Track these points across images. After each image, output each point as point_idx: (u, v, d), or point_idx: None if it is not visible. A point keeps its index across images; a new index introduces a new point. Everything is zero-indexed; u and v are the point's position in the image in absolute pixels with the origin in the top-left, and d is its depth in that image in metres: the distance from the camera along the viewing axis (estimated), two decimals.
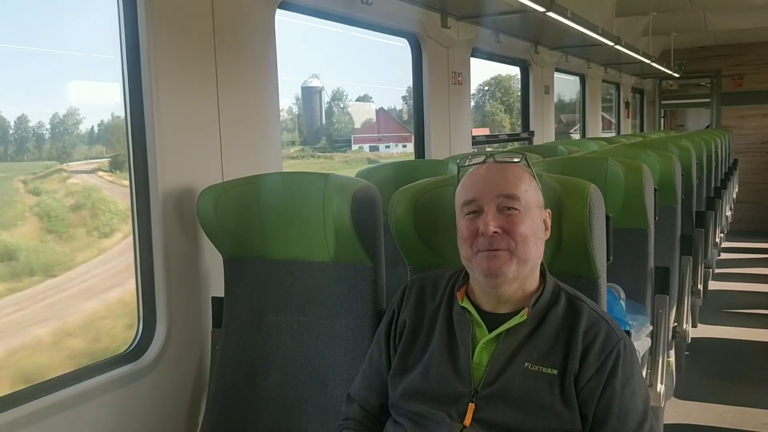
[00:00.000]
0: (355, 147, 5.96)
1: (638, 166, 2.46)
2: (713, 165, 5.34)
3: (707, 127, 9.97)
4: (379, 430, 1.53)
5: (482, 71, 6.61)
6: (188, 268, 2.17)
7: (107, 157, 2.57)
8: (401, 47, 3.95)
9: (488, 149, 5.03)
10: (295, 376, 1.92)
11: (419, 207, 1.76)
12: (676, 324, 2.95)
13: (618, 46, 5.54)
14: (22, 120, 2.31)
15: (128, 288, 2.16)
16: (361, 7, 3.14)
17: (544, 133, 6.14)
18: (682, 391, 3.71)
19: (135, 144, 2.07)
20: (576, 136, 7.70)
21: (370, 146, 6.14)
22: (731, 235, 7.36)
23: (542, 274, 1.48)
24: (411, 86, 4.08)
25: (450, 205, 1.52)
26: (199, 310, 2.18)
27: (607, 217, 1.70)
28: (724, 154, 6.49)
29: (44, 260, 2.37)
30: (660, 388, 2.41)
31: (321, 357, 1.90)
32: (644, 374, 2.29)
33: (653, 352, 2.43)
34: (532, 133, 5.91)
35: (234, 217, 2.00)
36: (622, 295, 2.23)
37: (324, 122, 5.26)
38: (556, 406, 1.34)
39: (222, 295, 2.06)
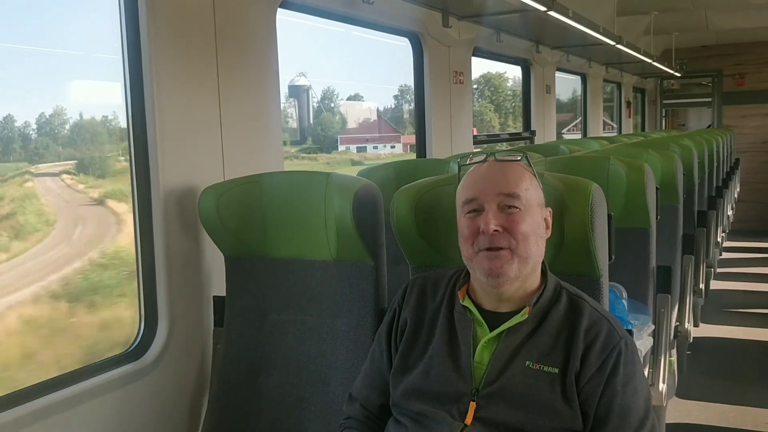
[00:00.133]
0: (341, 148, 5.88)
1: (640, 165, 2.46)
2: (715, 164, 5.34)
3: (709, 126, 9.96)
4: (380, 429, 1.53)
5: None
6: (190, 267, 2.17)
7: (72, 161, 2.51)
8: (393, 46, 3.94)
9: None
10: (296, 375, 1.92)
11: (421, 206, 1.76)
12: (677, 323, 2.94)
13: (619, 46, 5.54)
14: (8, 120, 2.28)
15: None
16: (363, 6, 3.14)
17: (546, 132, 6.14)
18: (684, 390, 3.72)
19: (136, 143, 2.07)
20: (569, 137, 7.69)
21: (357, 147, 6.07)
22: (733, 235, 7.35)
23: (543, 273, 1.48)
24: (403, 85, 4.07)
25: (451, 204, 1.52)
26: (200, 309, 2.18)
27: (609, 217, 1.70)
28: (725, 154, 6.49)
29: None
30: (662, 387, 2.41)
31: (322, 356, 1.90)
32: (646, 373, 2.28)
33: (655, 351, 2.43)
34: (533, 133, 5.91)
35: (235, 216, 2.00)
36: (624, 294, 2.23)
37: (312, 122, 5.24)
38: (558, 405, 1.34)
39: (223, 294, 2.06)
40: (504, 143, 5.78)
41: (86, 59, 2.33)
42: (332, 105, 5.49)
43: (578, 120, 8.10)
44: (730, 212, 6.41)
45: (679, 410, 3.58)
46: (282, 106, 2.63)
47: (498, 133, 6.78)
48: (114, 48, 2.08)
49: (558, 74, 6.41)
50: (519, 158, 1.47)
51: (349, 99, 5.66)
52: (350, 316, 1.87)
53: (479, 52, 4.71)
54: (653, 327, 2.38)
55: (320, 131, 5.49)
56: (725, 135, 6.87)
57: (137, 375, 2.01)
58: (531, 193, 1.43)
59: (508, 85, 7.80)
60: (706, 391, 3.83)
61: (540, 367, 1.37)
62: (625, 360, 1.36)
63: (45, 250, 2.37)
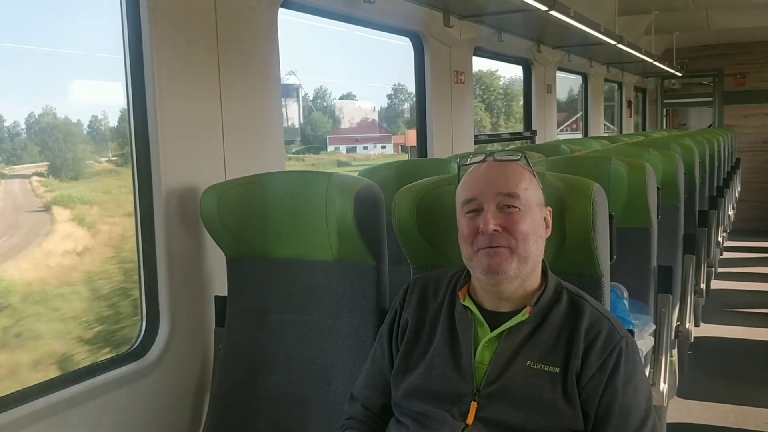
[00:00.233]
0: (331, 148, 5.79)
1: (641, 165, 2.46)
2: (716, 164, 5.33)
3: (709, 126, 9.96)
4: (381, 429, 1.53)
5: None
6: (191, 267, 2.17)
7: (46, 162, 2.45)
8: (387, 44, 3.92)
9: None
10: (297, 375, 1.92)
11: (422, 206, 1.76)
12: (678, 323, 2.94)
13: (620, 45, 5.54)
14: None
15: None
16: (364, 6, 3.15)
17: (547, 132, 6.14)
18: (685, 390, 3.71)
19: (138, 143, 2.07)
20: (562, 137, 7.68)
21: (346, 147, 5.98)
22: (734, 234, 7.34)
23: (544, 273, 1.48)
24: (397, 84, 4.07)
25: (452, 204, 1.52)
26: (202, 309, 2.18)
27: (611, 216, 1.70)
28: (726, 153, 6.49)
29: None
30: (663, 387, 2.41)
31: (324, 356, 1.90)
32: (647, 373, 2.28)
33: (656, 351, 2.42)
34: (534, 132, 5.91)
35: (237, 216, 2.00)
36: (625, 294, 2.23)
37: (302, 121, 5.20)
38: (558, 405, 1.34)
39: (225, 294, 2.06)
40: (505, 143, 5.78)
41: (80, 58, 2.32)
42: (324, 104, 5.44)
43: (572, 120, 8.10)
44: (731, 212, 6.40)
45: (680, 410, 3.58)
46: None
47: (499, 132, 6.78)
48: (110, 47, 2.07)
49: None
50: (518, 158, 1.48)
51: (341, 98, 5.62)
52: (351, 316, 1.87)
53: (480, 52, 4.71)
54: (654, 327, 2.38)
55: (310, 131, 5.43)
56: (726, 134, 6.87)
57: (138, 375, 2.01)
58: (530, 192, 1.43)
59: (500, 83, 7.78)
60: (707, 391, 3.83)
61: (541, 366, 1.37)
62: (626, 359, 1.37)
63: None
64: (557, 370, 1.36)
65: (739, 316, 5.31)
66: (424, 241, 1.78)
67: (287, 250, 1.97)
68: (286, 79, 4.75)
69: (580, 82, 7.82)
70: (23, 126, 2.33)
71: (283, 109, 4.80)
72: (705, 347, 4.48)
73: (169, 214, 2.08)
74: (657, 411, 1.64)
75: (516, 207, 1.40)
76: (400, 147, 6.11)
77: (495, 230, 1.38)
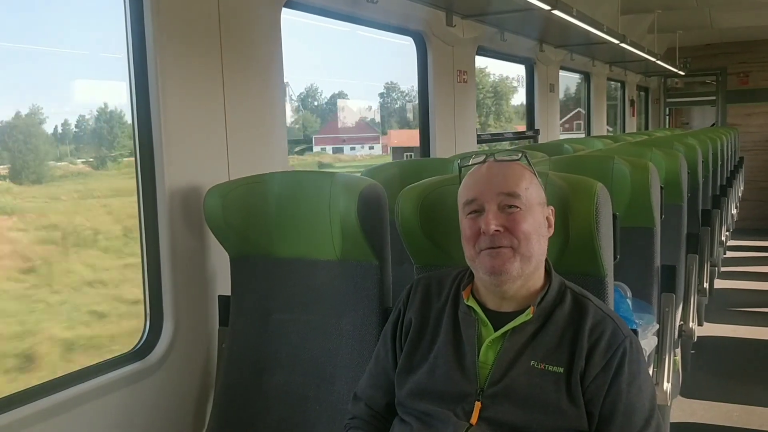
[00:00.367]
0: (317, 148, 5.68)
1: (644, 164, 2.46)
2: (719, 163, 5.33)
3: (713, 125, 9.94)
4: (385, 428, 1.54)
5: None
6: (195, 266, 2.17)
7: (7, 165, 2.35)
8: (380, 41, 3.90)
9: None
10: (301, 375, 1.92)
11: (425, 205, 1.76)
12: (682, 322, 2.94)
13: (623, 44, 5.54)
14: None
15: None
16: (367, 5, 3.15)
17: (549, 131, 6.13)
18: (688, 389, 3.71)
19: (141, 143, 2.07)
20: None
21: (333, 148, 5.88)
22: (737, 234, 7.33)
23: (547, 272, 1.48)
24: (390, 83, 4.04)
25: (455, 203, 1.52)
26: (205, 309, 2.18)
27: (614, 216, 1.70)
28: (729, 152, 6.47)
29: None
30: (666, 386, 2.41)
31: (327, 355, 1.90)
32: (651, 373, 2.28)
33: (659, 350, 2.42)
34: (537, 132, 5.90)
35: (240, 215, 2.01)
36: (629, 293, 2.23)
37: (290, 121, 5.16)
38: (562, 405, 1.34)
39: (229, 293, 2.06)
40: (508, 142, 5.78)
41: (74, 57, 2.31)
42: (315, 103, 5.36)
43: (565, 119, 8.07)
44: (734, 211, 6.39)
45: (683, 409, 3.58)
46: None
47: (501, 132, 6.77)
48: (105, 47, 2.06)
49: None
50: (518, 158, 1.48)
51: (332, 97, 5.55)
52: (355, 315, 1.87)
53: (483, 51, 4.71)
54: (657, 326, 2.38)
55: (297, 131, 5.36)
56: (729, 133, 6.86)
57: (143, 374, 2.02)
58: (531, 192, 1.43)
59: (489, 80, 7.73)
60: (711, 390, 3.83)
61: (545, 366, 1.37)
62: (629, 359, 1.37)
63: None
64: (561, 370, 1.36)
65: (742, 315, 5.31)
66: (427, 240, 1.78)
67: (291, 250, 1.98)
68: None
69: (577, 80, 7.82)
70: None
71: None
72: (708, 347, 4.48)
73: (172, 213, 2.08)
74: (660, 410, 1.64)
75: (517, 207, 1.40)
76: (389, 148, 6.04)
77: (497, 230, 1.38)
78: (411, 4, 3.55)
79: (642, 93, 10.30)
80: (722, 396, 3.75)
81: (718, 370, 4.18)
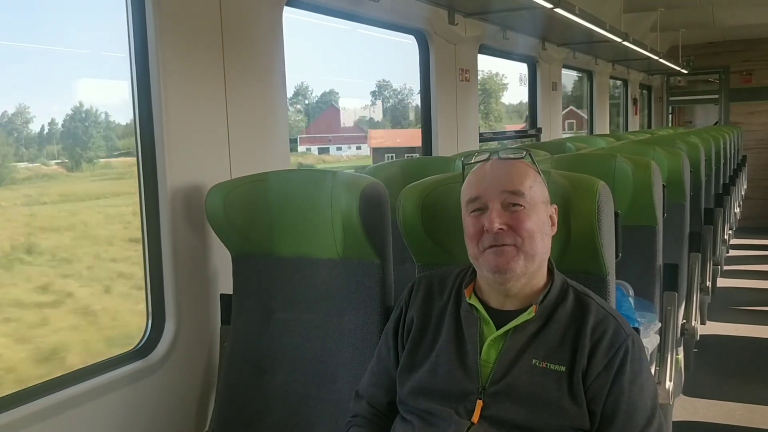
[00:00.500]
0: (302, 149, 5.58)
1: (647, 162, 2.46)
2: (722, 161, 5.32)
3: (715, 123, 9.92)
4: (387, 427, 1.53)
5: None
6: (197, 265, 2.17)
7: None
8: (372, 38, 3.87)
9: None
10: (303, 373, 1.93)
11: (427, 204, 1.76)
12: (684, 321, 2.94)
13: (626, 43, 5.53)
14: None
15: None
16: (369, 4, 3.15)
17: (552, 129, 6.13)
18: (691, 388, 3.70)
19: (143, 142, 2.07)
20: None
21: (319, 148, 5.77)
22: (740, 232, 7.32)
23: (550, 271, 1.48)
24: (381, 81, 4.00)
25: (458, 202, 1.52)
26: (207, 307, 2.18)
27: (616, 214, 1.69)
28: (732, 151, 6.46)
29: None
30: (668, 385, 2.40)
31: (329, 354, 1.90)
32: (653, 371, 2.28)
33: (662, 349, 2.42)
34: (539, 130, 5.90)
35: (242, 214, 2.01)
36: (631, 292, 2.23)
37: None
38: (564, 403, 1.34)
39: (230, 292, 2.06)
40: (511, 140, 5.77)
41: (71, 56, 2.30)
42: (306, 102, 5.27)
43: (564, 112, 8.05)
44: (737, 209, 6.38)
45: (686, 408, 3.57)
46: None
47: (504, 131, 6.77)
48: (102, 46, 2.05)
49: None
50: (522, 156, 1.47)
51: (323, 95, 5.47)
52: (356, 314, 1.87)
53: (485, 50, 4.70)
54: (660, 325, 2.37)
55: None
56: (732, 132, 6.84)
57: (145, 373, 2.02)
58: (535, 190, 1.43)
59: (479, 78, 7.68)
60: (713, 388, 3.83)
61: (547, 365, 1.37)
62: (632, 358, 1.36)
63: None
64: (563, 368, 1.36)
65: (745, 313, 5.30)
66: (429, 239, 1.77)
67: (292, 248, 1.98)
68: None
69: (574, 77, 7.80)
70: None
71: None
72: (711, 345, 4.47)
73: (174, 212, 2.08)
74: (663, 409, 1.64)
75: (521, 205, 1.40)
76: (376, 149, 5.94)
77: (500, 229, 1.38)
78: (413, 2, 3.55)
79: (645, 91, 10.29)
80: (725, 395, 3.75)
81: (720, 369, 4.17)
